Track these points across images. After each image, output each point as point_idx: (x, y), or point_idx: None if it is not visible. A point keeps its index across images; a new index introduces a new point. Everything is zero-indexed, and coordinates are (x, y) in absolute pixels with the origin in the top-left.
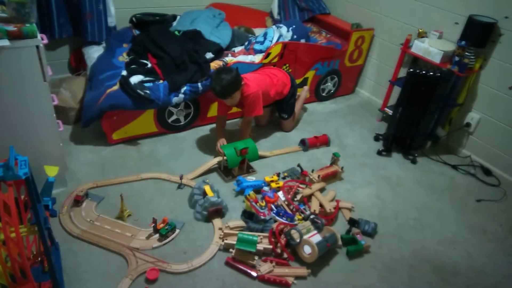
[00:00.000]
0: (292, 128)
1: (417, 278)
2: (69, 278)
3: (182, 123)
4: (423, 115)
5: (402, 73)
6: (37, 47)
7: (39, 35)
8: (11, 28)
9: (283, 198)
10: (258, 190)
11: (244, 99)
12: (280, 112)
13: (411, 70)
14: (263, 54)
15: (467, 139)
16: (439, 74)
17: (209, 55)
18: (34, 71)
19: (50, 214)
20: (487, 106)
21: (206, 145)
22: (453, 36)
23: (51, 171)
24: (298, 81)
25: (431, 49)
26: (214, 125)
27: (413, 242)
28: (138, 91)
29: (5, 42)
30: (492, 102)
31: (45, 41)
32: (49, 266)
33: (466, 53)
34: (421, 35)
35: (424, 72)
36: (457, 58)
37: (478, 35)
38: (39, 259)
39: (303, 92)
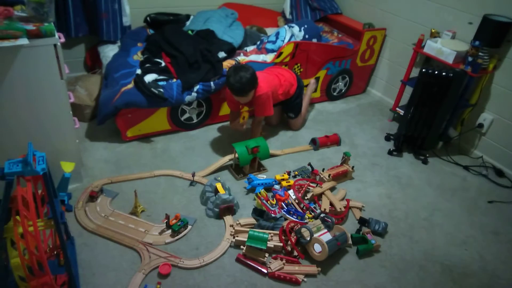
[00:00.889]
0: (301, 126)
1: (427, 278)
2: (84, 271)
3: (194, 121)
4: (435, 115)
5: (414, 73)
6: (55, 45)
7: (56, 34)
8: (30, 27)
9: (293, 197)
10: (269, 188)
11: (255, 99)
12: (287, 112)
13: (423, 70)
14: (275, 53)
15: (479, 140)
16: (451, 75)
17: (221, 54)
18: (51, 69)
19: (66, 209)
20: (501, 107)
21: (218, 143)
22: (466, 36)
23: (68, 167)
24: (309, 80)
25: (444, 49)
26: (226, 124)
27: (424, 242)
28: (152, 89)
29: (25, 41)
30: (506, 103)
31: (62, 39)
32: (65, 260)
33: (480, 53)
34: (434, 35)
35: (436, 72)
36: (470, 59)
37: (493, 35)
38: (55, 252)
39: (311, 85)
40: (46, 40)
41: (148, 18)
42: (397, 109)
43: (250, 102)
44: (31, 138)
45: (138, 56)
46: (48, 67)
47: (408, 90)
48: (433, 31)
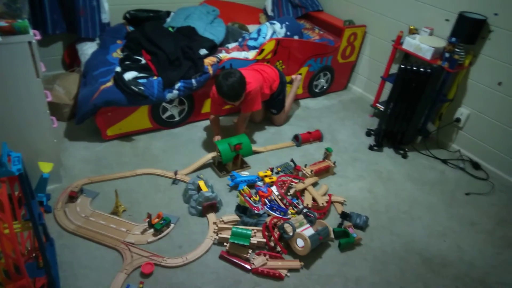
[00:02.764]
0: (284, 122)
1: (407, 270)
2: (64, 273)
3: (176, 119)
4: (414, 110)
5: (394, 69)
6: (30, 43)
7: (31, 31)
8: (2, 23)
9: (276, 193)
10: (252, 185)
11: (244, 96)
12: (269, 108)
13: (402, 66)
14: (257, 50)
15: (457, 134)
16: (429, 70)
17: (203, 51)
18: (26, 67)
19: (44, 210)
20: (477, 102)
21: (201, 141)
22: (443, 33)
23: (46, 167)
24: (290, 77)
25: (422, 45)
26: (208, 121)
27: (404, 235)
28: (132, 87)
29: None
30: (481, 98)
31: (38, 37)
32: (44, 262)
33: (456, 50)
34: (412, 32)
35: (415, 68)
36: (447, 55)
37: (468, 31)
38: (34, 255)
39: (296, 81)
40: (20, 37)
41: (127, 15)
42: (377, 105)
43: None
44: (6, 138)
45: (117, 54)
46: (23, 65)
47: (388, 86)
48: (411, 28)
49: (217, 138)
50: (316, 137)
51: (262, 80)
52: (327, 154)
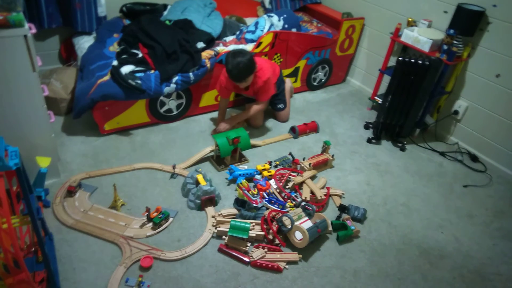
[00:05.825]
0: (288, 117)
1: (405, 261)
2: (63, 267)
3: (174, 113)
4: (412, 103)
5: (392, 62)
6: (25, 36)
7: (26, 24)
8: None
9: (275, 186)
10: (250, 178)
11: (259, 83)
12: (275, 104)
13: (400, 58)
14: (255, 43)
15: (455, 127)
16: (428, 63)
17: (200, 44)
18: (22, 61)
19: (43, 205)
20: (475, 94)
21: (199, 135)
22: (442, 25)
23: (43, 162)
24: (289, 70)
25: (420, 37)
26: (206, 115)
27: (402, 227)
28: (129, 81)
29: None
30: (480, 90)
31: (33, 30)
32: (42, 256)
33: (455, 42)
34: (411, 24)
35: (413, 60)
36: (445, 47)
37: (467, 23)
38: (33, 249)
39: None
40: (15, 31)
41: (124, 8)
42: (375, 98)
43: (251, 86)
44: (3, 133)
45: (114, 47)
46: (19, 59)
47: (386, 79)
48: (409, 20)
49: (222, 126)
50: (312, 128)
51: (272, 70)
52: (326, 147)
